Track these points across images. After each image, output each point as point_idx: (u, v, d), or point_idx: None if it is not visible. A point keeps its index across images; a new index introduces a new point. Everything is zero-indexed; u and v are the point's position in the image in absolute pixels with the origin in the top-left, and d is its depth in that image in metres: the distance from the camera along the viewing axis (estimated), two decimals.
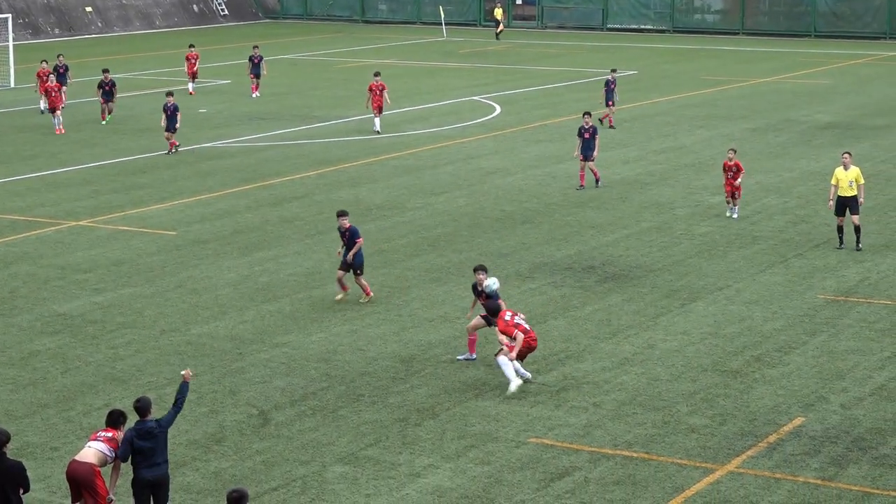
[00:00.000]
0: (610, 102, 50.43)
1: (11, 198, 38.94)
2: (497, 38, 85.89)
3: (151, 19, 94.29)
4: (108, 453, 17.38)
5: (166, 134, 45.44)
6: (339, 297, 28.69)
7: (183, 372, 17.83)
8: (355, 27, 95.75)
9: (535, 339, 23.74)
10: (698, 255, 32.34)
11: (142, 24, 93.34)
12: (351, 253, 28.19)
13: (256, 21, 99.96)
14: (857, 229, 32.45)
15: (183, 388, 17.75)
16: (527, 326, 23.60)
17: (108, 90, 52.33)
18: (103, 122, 51.92)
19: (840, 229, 32.70)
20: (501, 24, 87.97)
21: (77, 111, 54.41)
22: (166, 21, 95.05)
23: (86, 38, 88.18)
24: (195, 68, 60.47)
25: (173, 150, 45.26)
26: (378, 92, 48.82)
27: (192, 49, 61.54)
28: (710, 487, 19.57)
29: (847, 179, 32.42)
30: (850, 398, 23.05)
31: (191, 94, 59.33)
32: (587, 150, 39.57)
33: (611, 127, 50.00)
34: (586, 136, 39.52)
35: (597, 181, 39.85)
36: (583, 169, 39.83)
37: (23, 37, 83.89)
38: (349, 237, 28.34)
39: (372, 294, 28.67)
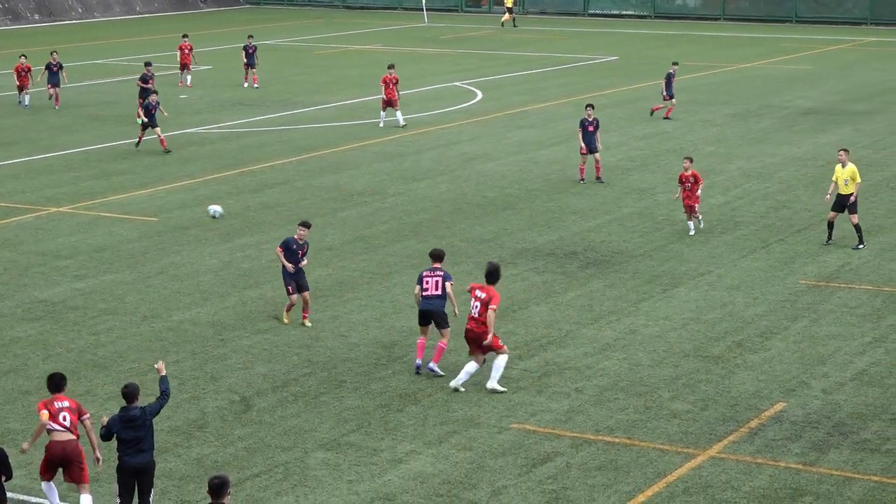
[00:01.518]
0: (667, 96, 49.32)
1: None
2: (502, 26, 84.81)
3: (132, 5, 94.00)
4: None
5: (157, 131, 43.19)
6: (288, 318, 26.35)
7: (156, 366, 17.74)
8: (336, 13, 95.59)
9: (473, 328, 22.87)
10: (680, 241, 32.37)
11: (122, 10, 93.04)
12: (304, 262, 26.06)
13: (237, 7, 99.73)
14: (856, 228, 31.83)
15: (163, 381, 17.71)
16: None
17: (54, 72, 51.47)
18: (56, 108, 51.41)
19: (830, 225, 31.96)
20: (508, 13, 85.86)
21: (46, 100, 54.25)
22: (147, 7, 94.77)
23: (66, 24, 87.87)
24: (189, 59, 58.61)
25: (167, 149, 43.17)
26: (391, 85, 46.89)
27: (186, 39, 59.52)
28: (691, 473, 19.61)
29: (843, 177, 31.66)
30: (831, 383, 23.11)
31: (188, 86, 57.38)
32: (592, 143, 38.37)
33: (666, 118, 49.03)
34: (590, 128, 38.30)
35: (598, 177, 38.66)
36: (584, 162, 38.60)
37: (2, 22, 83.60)
38: (305, 251, 26.23)
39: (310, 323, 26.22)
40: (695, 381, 23.18)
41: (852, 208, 31.67)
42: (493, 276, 22.98)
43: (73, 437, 17.69)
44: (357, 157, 42.70)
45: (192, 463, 19.94)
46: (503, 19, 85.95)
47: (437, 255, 23.89)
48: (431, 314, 23.44)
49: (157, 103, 43.71)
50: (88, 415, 18.22)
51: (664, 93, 49.71)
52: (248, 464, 19.91)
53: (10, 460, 16.79)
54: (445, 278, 23.48)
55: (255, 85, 57.33)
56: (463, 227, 33.79)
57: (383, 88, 47.09)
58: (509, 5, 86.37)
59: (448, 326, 23.56)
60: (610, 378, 23.36)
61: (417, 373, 23.50)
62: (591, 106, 39.12)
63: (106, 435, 17.44)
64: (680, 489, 19.09)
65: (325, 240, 32.53)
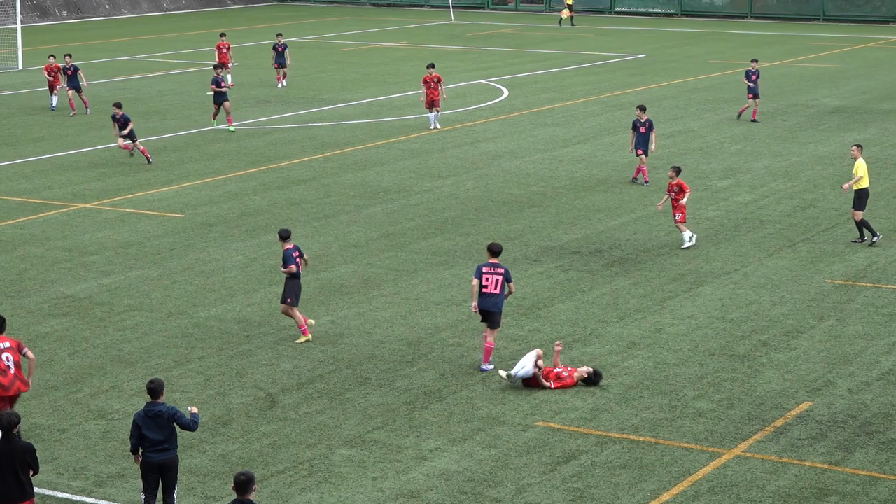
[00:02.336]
0: (750, 95, 48.01)
1: (19, 180, 38.96)
2: (560, 24, 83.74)
3: (159, 2, 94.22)
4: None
5: (125, 144, 40.95)
6: (304, 339, 25.19)
7: (191, 408, 17.60)
8: (363, 10, 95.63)
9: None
10: (706, 239, 32.30)
11: (150, 7, 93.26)
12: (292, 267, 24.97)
13: (264, 3, 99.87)
14: (857, 225, 31.85)
15: (195, 416, 17.56)
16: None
17: (71, 75, 49.80)
18: (73, 114, 49.89)
19: (858, 223, 31.81)
20: (568, 10, 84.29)
21: (85, 93, 54.41)
22: (174, 3, 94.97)
23: (94, 21, 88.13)
24: (227, 58, 56.65)
25: (133, 153, 41.45)
26: (433, 85, 45.73)
27: (223, 38, 57.43)
28: (716, 471, 19.57)
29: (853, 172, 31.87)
30: (857, 383, 23.04)
31: (230, 85, 52.72)
32: (644, 145, 37.80)
33: (753, 120, 47.99)
34: (642, 129, 37.72)
35: (645, 181, 38.14)
36: (643, 163, 37.95)
37: (30, 19, 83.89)
38: (299, 256, 25.24)
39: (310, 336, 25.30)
40: (720, 380, 23.13)
41: (854, 204, 31.58)
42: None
43: (18, 375, 19.15)
44: (383, 154, 42.72)
45: (218, 459, 19.98)
46: (563, 16, 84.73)
47: (495, 251, 23.72)
48: (489, 313, 23.41)
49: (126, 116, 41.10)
50: (27, 349, 19.53)
51: (751, 90, 47.97)
52: (273, 460, 19.95)
53: (38, 455, 16.83)
54: (507, 278, 23.41)
55: (284, 83, 56.55)
56: (488, 224, 33.78)
57: (424, 89, 45.99)
58: (570, 2, 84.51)
59: (499, 327, 23.59)
60: (635, 376, 23.33)
61: (483, 371, 23.50)
62: (643, 108, 38.32)
63: (134, 444, 17.37)
64: (705, 488, 19.05)
65: (350, 237, 32.56)
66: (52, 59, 51.87)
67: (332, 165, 40.94)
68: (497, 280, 23.30)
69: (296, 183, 38.55)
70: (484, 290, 23.32)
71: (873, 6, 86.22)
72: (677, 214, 31.45)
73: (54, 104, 51.33)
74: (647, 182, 38.18)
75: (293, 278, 25.04)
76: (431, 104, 46.10)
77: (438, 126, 46.48)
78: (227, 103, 45.99)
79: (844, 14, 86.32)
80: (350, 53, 70.13)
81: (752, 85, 47.94)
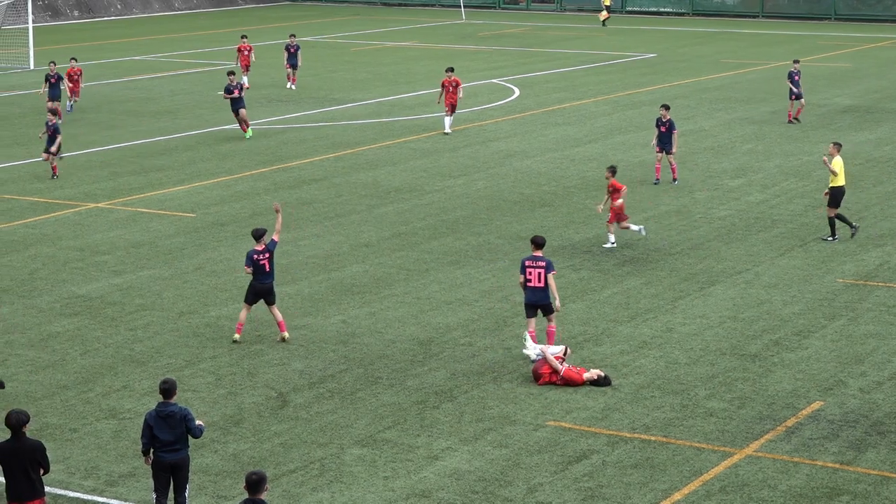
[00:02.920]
0: (793, 97, 47.47)
1: (31, 180, 39.01)
2: (603, 25, 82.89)
3: (171, 2, 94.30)
4: None
5: (45, 155, 39.32)
6: (236, 338, 24.98)
7: (197, 422, 17.59)
8: (374, 9, 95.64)
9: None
10: (717, 239, 32.27)
11: (161, 7, 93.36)
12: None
13: (275, 3, 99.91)
14: (829, 222, 31.90)
15: (201, 428, 17.59)
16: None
17: (54, 83, 48.63)
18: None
19: (831, 220, 31.95)
20: (606, 11, 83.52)
21: (96, 93, 54.52)
22: (186, 3, 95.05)
23: (105, 21, 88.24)
24: (248, 60, 56.02)
25: (56, 175, 39.09)
26: (451, 88, 44.85)
27: (245, 40, 56.75)
28: (728, 471, 19.55)
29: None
30: (868, 382, 23.01)
31: (247, 87, 53.47)
32: (666, 144, 37.61)
33: (796, 119, 47.51)
34: (662, 129, 37.55)
35: (674, 178, 38.04)
36: (659, 161, 37.99)
37: (42, 19, 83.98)
38: (270, 259, 24.75)
39: (287, 334, 25.11)
40: (731, 380, 23.11)
41: (831, 202, 31.69)
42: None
43: None
44: (394, 153, 42.72)
45: (229, 458, 20.00)
46: (602, 17, 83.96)
47: (538, 243, 24.07)
48: (538, 305, 23.84)
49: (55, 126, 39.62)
50: None
51: (793, 92, 47.43)
52: (284, 459, 19.96)
53: (49, 454, 16.85)
54: (548, 269, 23.76)
55: (292, 86, 55.79)
56: (499, 224, 33.77)
57: (443, 93, 45.11)
58: (608, 3, 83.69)
59: (553, 311, 23.98)
60: (646, 376, 23.32)
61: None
62: (666, 107, 38.12)
63: (145, 445, 17.36)
64: (716, 488, 19.04)
65: (361, 236, 32.58)
66: (73, 61, 51.27)
67: (344, 165, 40.96)
68: (539, 273, 23.73)
69: (307, 182, 38.57)
70: (528, 285, 23.77)
71: (885, 5, 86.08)
72: (610, 215, 31.35)
73: (69, 107, 50.52)
74: (674, 180, 38.07)
75: (253, 279, 24.78)
76: (452, 108, 45.24)
77: (450, 130, 45.70)
78: (242, 110, 44.89)
79: (856, 13, 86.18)
80: (361, 53, 70.16)
81: (795, 88, 47.26)
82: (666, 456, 20.06)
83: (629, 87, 57.06)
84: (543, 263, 23.79)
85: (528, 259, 23.92)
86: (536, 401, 22.19)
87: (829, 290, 28.18)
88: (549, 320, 24.06)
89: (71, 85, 50.36)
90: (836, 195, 31.81)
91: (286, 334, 25.08)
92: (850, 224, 32.06)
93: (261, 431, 21.00)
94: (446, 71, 45.80)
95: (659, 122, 37.91)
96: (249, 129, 45.32)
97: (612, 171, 31.55)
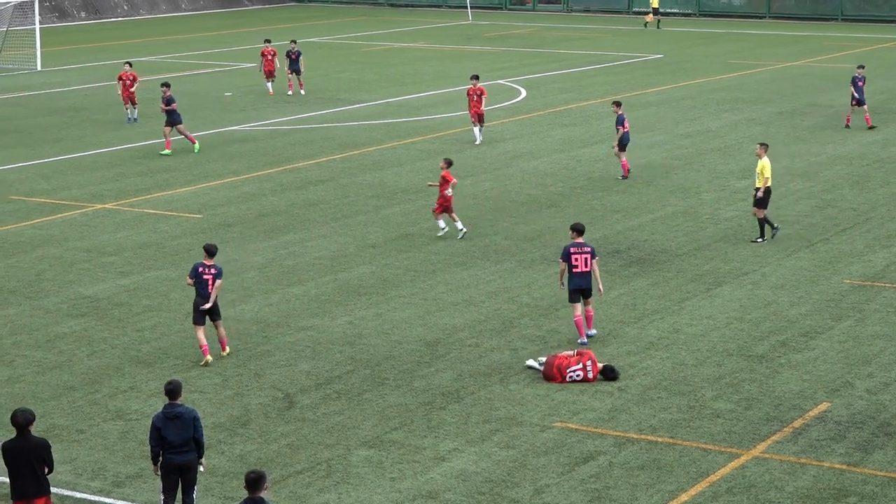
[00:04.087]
0: (854, 102, 46.38)
1: (38, 181, 39.06)
2: (646, 27, 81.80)
3: (177, 3, 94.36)
4: None
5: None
6: (207, 360, 23.96)
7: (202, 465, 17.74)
8: (380, 10, 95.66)
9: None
10: (724, 240, 32.25)
11: (168, 7, 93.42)
12: (213, 298, 23.77)
13: (282, 4, 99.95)
14: (759, 223, 32.00)
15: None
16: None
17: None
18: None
19: (760, 221, 32.05)
20: (652, 14, 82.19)
21: (105, 95, 54.58)
22: (192, 4, 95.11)
23: (112, 22, 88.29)
24: (273, 65, 54.48)
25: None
26: (476, 97, 43.68)
27: (268, 44, 55.21)
28: (735, 472, 19.54)
29: (757, 171, 31.93)
30: (876, 383, 22.98)
31: (270, 94, 54.02)
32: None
33: (872, 127, 46.58)
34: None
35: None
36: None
37: (49, 20, 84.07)
38: (214, 277, 23.90)
39: (228, 350, 24.43)
40: (738, 381, 23.09)
41: (760, 203, 31.76)
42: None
43: None
44: (400, 154, 42.73)
45: (236, 459, 20.01)
46: (647, 20, 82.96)
47: (580, 229, 25.08)
48: (582, 290, 24.76)
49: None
50: None
51: (855, 98, 46.45)
52: (291, 461, 19.97)
53: (55, 455, 16.88)
54: (592, 255, 24.79)
55: (302, 91, 54.52)
56: (506, 224, 33.76)
57: (469, 102, 44.00)
58: (655, 6, 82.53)
59: (592, 296, 25.06)
60: (653, 377, 23.30)
61: (583, 344, 24.38)
62: (618, 103, 39.46)
63: (154, 448, 17.37)
64: (723, 489, 19.03)
65: (368, 237, 32.58)
66: (127, 66, 48.98)
67: (350, 166, 40.96)
68: (586, 258, 24.65)
69: (313, 183, 38.58)
70: (575, 270, 24.60)
71: (892, 6, 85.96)
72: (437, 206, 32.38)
73: (135, 116, 48.87)
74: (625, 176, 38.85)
75: (196, 294, 23.96)
76: (479, 118, 44.17)
77: (480, 141, 44.31)
78: (180, 126, 42.59)
79: (863, 14, 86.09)
80: (368, 54, 70.17)
81: (857, 94, 46.25)
82: (673, 457, 20.05)
83: (636, 87, 57.02)
84: (588, 249, 24.82)
85: (573, 246, 24.76)
86: (543, 402, 22.18)
87: (836, 291, 28.15)
88: (588, 304, 25.00)
89: (125, 91, 48.39)
90: (764, 196, 31.79)
91: (226, 352, 24.28)
92: (772, 225, 32.14)
93: (267, 433, 21.01)
94: (471, 79, 44.60)
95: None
96: (196, 143, 43.21)
97: (448, 162, 32.40)
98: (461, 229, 32.36)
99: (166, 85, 43.50)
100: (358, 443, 20.62)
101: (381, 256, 30.98)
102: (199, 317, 23.92)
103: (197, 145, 43.15)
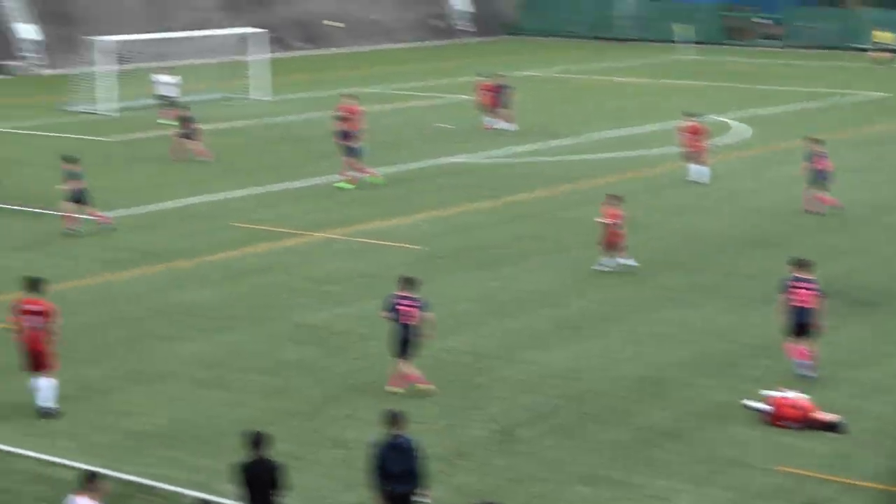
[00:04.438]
0: None
1: (264, 209, 39.76)
2: (877, 65, 79.81)
3: (395, 35, 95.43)
4: None
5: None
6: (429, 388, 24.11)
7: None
8: (596, 44, 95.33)
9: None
10: None
11: (385, 39, 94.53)
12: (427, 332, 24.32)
13: (496, 37, 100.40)
14: None
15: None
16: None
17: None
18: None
19: None
20: (888, 52, 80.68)
21: (318, 124, 55.42)
22: (411, 34, 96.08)
23: (331, 54, 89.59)
24: (492, 100, 54.28)
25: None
26: (696, 135, 42.76)
27: (484, 79, 55.47)
28: None
29: None
30: None
31: (486, 128, 53.89)
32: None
33: None
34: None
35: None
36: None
37: (272, 50, 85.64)
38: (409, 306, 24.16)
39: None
40: None
41: None
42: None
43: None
44: (618, 189, 42.21)
45: (453, 491, 19.97)
46: (878, 57, 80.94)
47: (805, 265, 24.81)
48: (804, 325, 24.40)
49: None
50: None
51: None
52: (509, 493, 19.85)
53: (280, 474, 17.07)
54: (816, 290, 24.53)
55: (512, 125, 53.59)
56: (724, 261, 33.26)
57: (686, 140, 43.08)
58: (889, 40, 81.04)
59: (813, 332, 24.58)
60: (881, 421, 22.64)
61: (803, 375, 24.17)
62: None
63: (376, 469, 17.46)
64: None
65: (584, 271, 32.36)
66: (346, 99, 48.86)
67: (568, 200, 40.80)
68: (811, 294, 24.40)
69: (528, 217, 38.51)
70: (796, 304, 24.38)
71: None
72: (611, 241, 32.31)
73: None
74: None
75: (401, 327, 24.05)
76: (696, 156, 42.90)
77: (700, 178, 43.13)
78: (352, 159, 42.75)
79: None
80: (584, 87, 69.99)
81: None
82: None
83: (860, 124, 55.79)
84: (815, 285, 24.47)
85: (796, 280, 24.45)
86: (765, 444, 21.70)
87: None
88: (808, 342, 24.45)
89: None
90: None
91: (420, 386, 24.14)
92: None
93: (485, 464, 20.96)
94: (686, 115, 44.26)
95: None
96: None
97: (614, 198, 32.70)
98: (621, 263, 32.20)
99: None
100: (574, 478, 20.45)
101: (597, 290, 30.76)
102: (400, 350, 24.04)
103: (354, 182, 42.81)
